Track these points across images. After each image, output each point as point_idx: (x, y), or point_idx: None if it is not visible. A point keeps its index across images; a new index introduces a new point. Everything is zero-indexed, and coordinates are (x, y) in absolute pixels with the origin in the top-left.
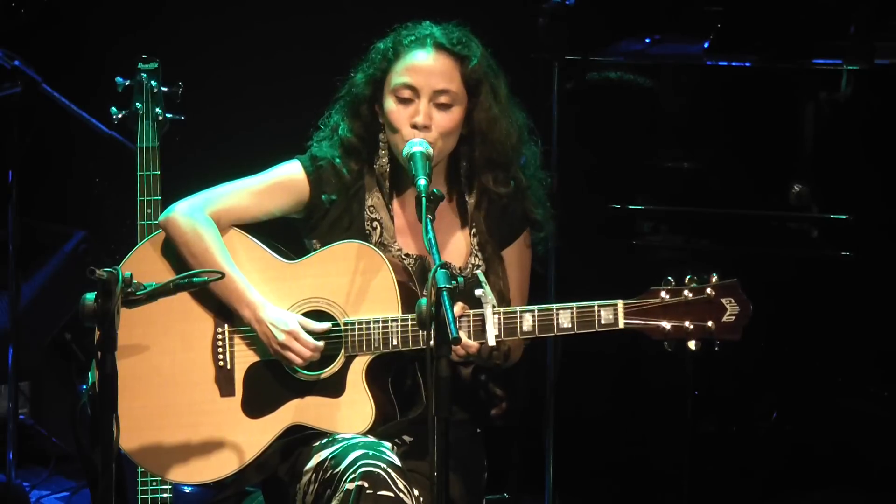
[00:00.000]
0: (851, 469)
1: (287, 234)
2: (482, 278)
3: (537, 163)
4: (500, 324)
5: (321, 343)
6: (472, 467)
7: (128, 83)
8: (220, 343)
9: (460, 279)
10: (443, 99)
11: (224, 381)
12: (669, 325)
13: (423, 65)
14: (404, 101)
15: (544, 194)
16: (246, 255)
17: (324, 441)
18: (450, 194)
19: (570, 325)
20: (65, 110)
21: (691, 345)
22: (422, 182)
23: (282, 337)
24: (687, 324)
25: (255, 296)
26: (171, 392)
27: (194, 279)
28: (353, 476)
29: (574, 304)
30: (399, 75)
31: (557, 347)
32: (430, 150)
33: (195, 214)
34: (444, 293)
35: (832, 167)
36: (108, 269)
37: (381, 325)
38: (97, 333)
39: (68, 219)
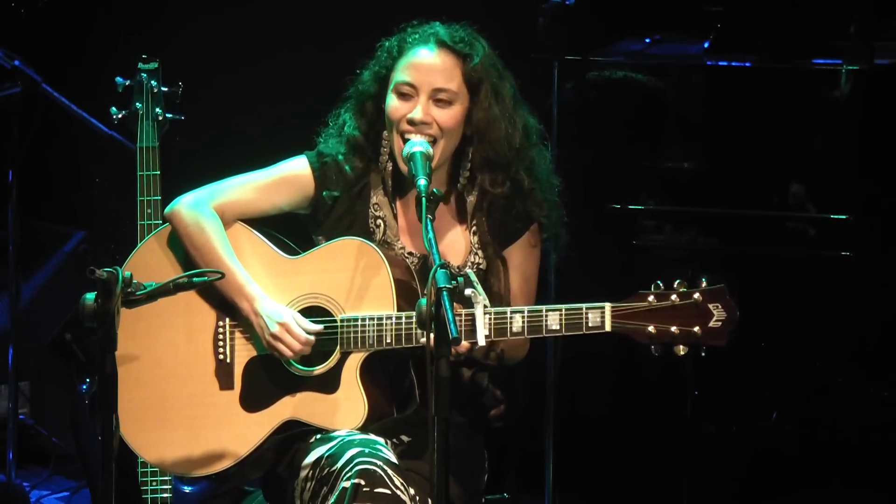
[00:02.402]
0: (851, 469)
1: (296, 229)
2: (473, 278)
3: (548, 166)
4: (490, 324)
5: (312, 337)
6: (472, 467)
7: (128, 83)
8: (220, 337)
9: (460, 279)
10: (442, 96)
11: (224, 374)
12: (655, 329)
13: (424, 62)
14: (404, 98)
15: (555, 200)
16: (249, 249)
17: (320, 437)
18: (452, 193)
19: (558, 327)
20: (65, 110)
21: (679, 349)
22: (421, 182)
23: (274, 328)
24: (673, 328)
25: (254, 289)
26: (172, 384)
27: (194, 279)
28: (349, 474)
29: (563, 306)
30: (400, 72)
31: (557, 347)
32: (430, 151)
33: (199, 207)
34: (444, 293)
35: (832, 167)
36: (108, 269)
37: (375, 322)
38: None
39: (68, 219)
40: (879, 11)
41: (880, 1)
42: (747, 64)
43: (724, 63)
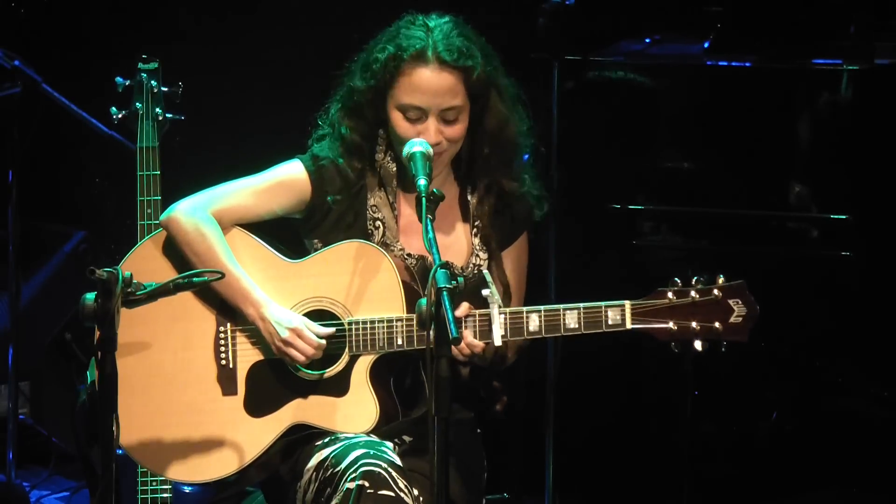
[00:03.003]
0: (851, 469)
1: (288, 234)
2: (488, 278)
3: (528, 133)
4: (506, 324)
5: (323, 342)
6: (472, 467)
7: (128, 83)
8: (222, 342)
9: (461, 279)
10: (450, 115)
11: (226, 379)
12: (676, 326)
13: (429, 85)
14: (412, 121)
15: (534, 173)
16: (249, 253)
17: (325, 440)
18: (454, 194)
19: (576, 326)
20: (65, 110)
21: (697, 345)
22: (422, 182)
23: (285, 334)
24: (694, 325)
25: (259, 294)
26: (173, 391)
27: (195, 279)
28: (353, 475)
29: (581, 305)
30: (404, 94)
31: (558, 347)
32: (430, 151)
33: (197, 213)
34: (444, 293)
35: (832, 167)
36: (108, 269)
37: (385, 324)
38: (97, 333)
39: (69, 219)
40: (879, 11)
41: (880, 1)
42: (747, 64)
43: (724, 63)
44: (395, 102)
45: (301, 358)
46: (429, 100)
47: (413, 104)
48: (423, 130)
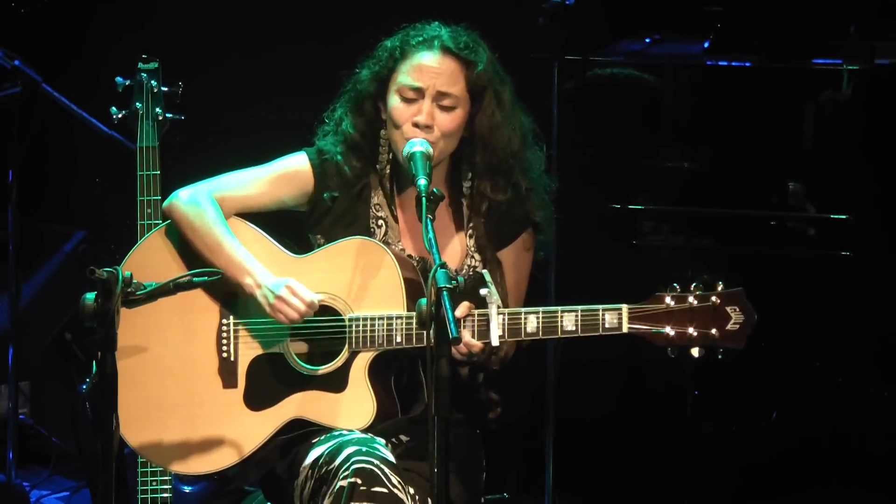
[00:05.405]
0: (851, 469)
1: (291, 228)
2: (488, 278)
3: (541, 167)
4: (504, 324)
5: (315, 300)
6: (472, 467)
7: (128, 83)
8: (224, 335)
9: (460, 279)
10: (446, 101)
11: (227, 373)
12: (673, 331)
13: (429, 66)
14: (408, 101)
15: (547, 198)
16: (253, 247)
17: (321, 438)
18: (448, 196)
19: (574, 328)
20: (65, 110)
21: (694, 352)
22: (422, 182)
23: (280, 290)
24: (691, 331)
25: (256, 265)
26: (174, 383)
27: (194, 279)
28: (346, 473)
29: (579, 308)
30: (404, 75)
31: (558, 347)
32: (431, 151)
33: (198, 196)
34: (444, 293)
35: (832, 167)
36: (108, 269)
37: (385, 321)
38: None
39: (68, 219)
40: (879, 11)
41: (880, 1)
42: (747, 64)
43: (724, 63)
44: (396, 86)
45: (294, 315)
46: (427, 79)
47: (410, 83)
48: (416, 112)
